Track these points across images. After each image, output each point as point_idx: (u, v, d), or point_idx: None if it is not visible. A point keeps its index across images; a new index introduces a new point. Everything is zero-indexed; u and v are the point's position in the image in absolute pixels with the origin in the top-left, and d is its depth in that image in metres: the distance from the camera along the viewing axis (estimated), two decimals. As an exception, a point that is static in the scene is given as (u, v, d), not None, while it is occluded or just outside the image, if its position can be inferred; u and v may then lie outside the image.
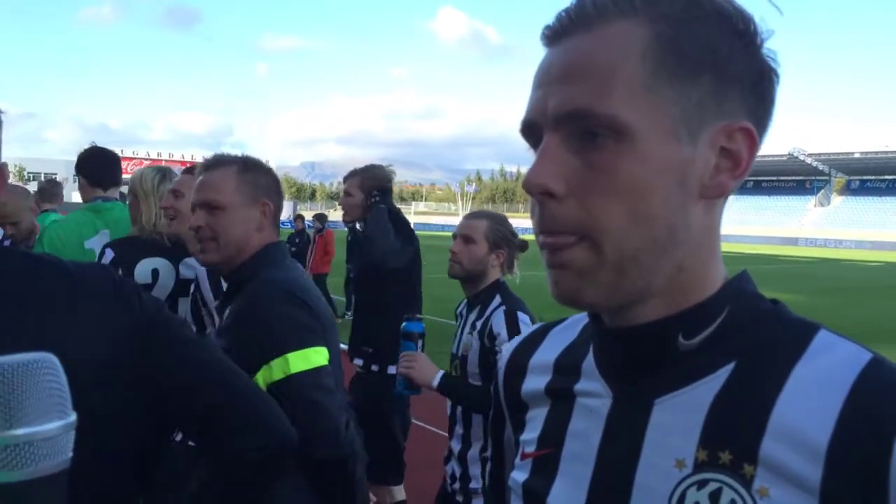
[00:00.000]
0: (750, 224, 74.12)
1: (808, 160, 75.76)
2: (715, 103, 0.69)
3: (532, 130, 0.73)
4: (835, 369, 0.66)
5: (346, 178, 4.35)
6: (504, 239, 3.05)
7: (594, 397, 0.78)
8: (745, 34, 0.69)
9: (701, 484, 0.67)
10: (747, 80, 0.70)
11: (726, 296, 0.73)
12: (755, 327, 0.72)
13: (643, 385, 0.74)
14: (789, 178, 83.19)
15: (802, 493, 0.63)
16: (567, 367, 0.84)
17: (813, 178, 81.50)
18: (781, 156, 76.76)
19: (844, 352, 0.68)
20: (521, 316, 2.86)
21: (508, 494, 0.87)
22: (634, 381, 0.75)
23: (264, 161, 2.20)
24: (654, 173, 0.67)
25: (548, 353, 0.89)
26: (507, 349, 0.96)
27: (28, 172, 68.98)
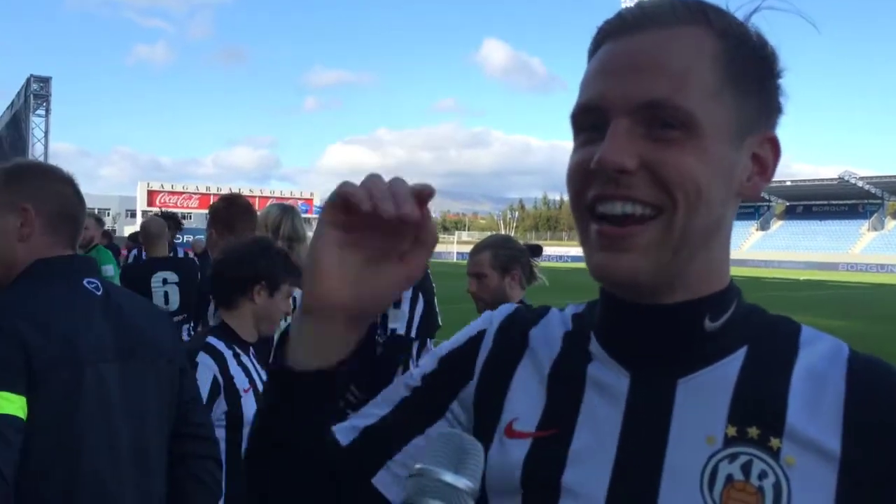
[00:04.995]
0: (801, 249, 72.46)
1: (860, 183, 73.89)
2: (758, 119, 0.78)
3: (590, 114, 0.77)
4: (827, 356, 0.76)
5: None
6: (511, 259, 3.06)
7: (608, 380, 0.80)
8: (775, 69, 0.79)
9: (733, 457, 0.72)
10: (776, 105, 0.80)
11: (735, 288, 0.82)
12: (754, 319, 0.81)
13: (664, 366, 0.78)
14: (841, 202, 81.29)
15: (824, 461, 0.71)
16: (573, 350, 0.85)
17: (865, 201, 79.45)
18: (832, 179, 75.10)
19: (829, 342, 0.79)
20: None
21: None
22: (654, 363, 0.78)
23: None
24: (713, 169, 0.74)
25: (553, 330, 0.89)
26: (498, 314, 0.94)
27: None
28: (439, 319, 4.64)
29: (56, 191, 1.78)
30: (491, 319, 0.94)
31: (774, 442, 0.72)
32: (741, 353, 0.78)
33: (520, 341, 0.90)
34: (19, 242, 1.72)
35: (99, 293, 1.77)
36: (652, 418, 0.76)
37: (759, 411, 0.74)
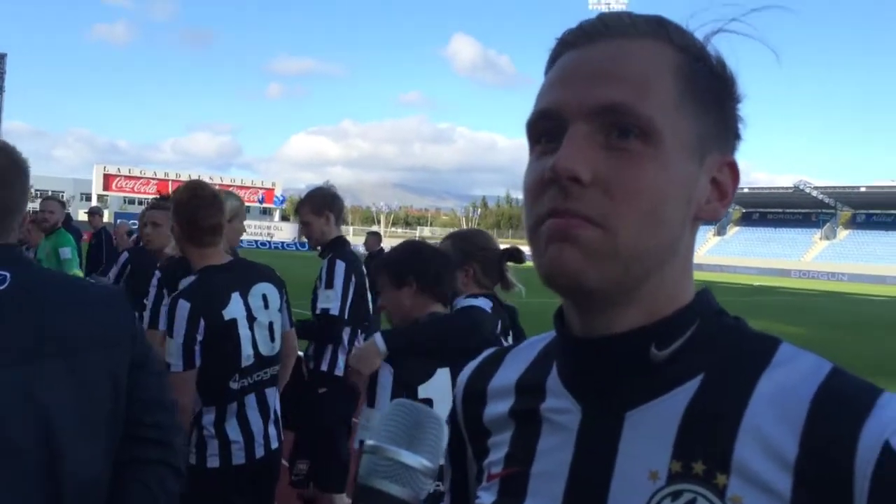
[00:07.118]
0: (756, 255, 73.87)
1: (815, 193, 75.54)
2: (717, 136, 0.76)
3: (547, 120, 0.75)
4: (798, 379, 0.69)
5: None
6: (467, 254, 2.96)
7: (562, 413, 0.78)
8: (734, 91, 0.78)
9: (675, 495, 0.68)
10: (734, 129, 0.79)
11: (695, 310, 0.76)
12: (721, 340, 0.75)
13: (614, 398, 0.74)
14: (795, 210, 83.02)
15: (774, 501, 0.65)
16: (530, 387, 0.83)
17: (819, 210, 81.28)
18: (787, 188, 76.66)
19: (806, 362, 0.71)
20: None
21: None
22: (604, 394, 0.75)
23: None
24: (671, 183, 0.71)
25: (507, 375, 0.87)
26: (461, 376, 0.94)
27: (36, 190, 69.61)
28: (370, 312, 4.62)
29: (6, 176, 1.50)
30: (455, 393, 0.95)
31: (720, 478, 0.67)
32: (696, 381, 0.72)
33: (483, 398, 0.89)
34: None
35: (2, 286, 1.47)
36: (599, 453, 0.73)
37: (706, 445, 0.69)
